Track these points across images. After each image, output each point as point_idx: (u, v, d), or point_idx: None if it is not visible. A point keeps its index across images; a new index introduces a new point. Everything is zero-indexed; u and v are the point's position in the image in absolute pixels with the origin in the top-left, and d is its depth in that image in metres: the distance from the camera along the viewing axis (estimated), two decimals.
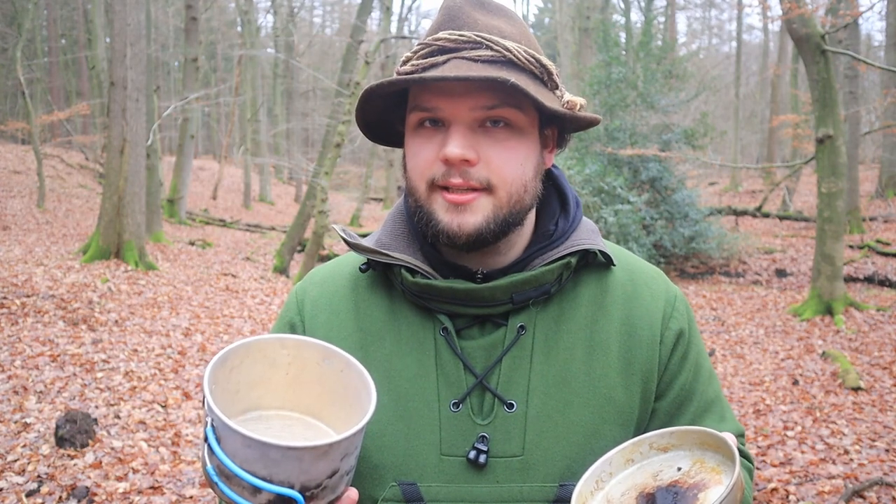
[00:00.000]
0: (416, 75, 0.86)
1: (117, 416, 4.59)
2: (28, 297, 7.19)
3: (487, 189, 0.88)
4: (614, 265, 0.99)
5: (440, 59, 0.88)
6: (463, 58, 0.87)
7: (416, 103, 0.90)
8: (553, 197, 1.02)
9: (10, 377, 5.04)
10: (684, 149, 12.59)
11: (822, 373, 6.09)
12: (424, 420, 0.91)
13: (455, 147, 0.86)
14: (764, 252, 13.51)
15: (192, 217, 18.17)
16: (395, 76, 0.89)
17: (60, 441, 4.01)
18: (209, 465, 0.73)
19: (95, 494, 3.57)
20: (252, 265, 12.22)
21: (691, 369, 0.98)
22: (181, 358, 5.97)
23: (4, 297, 7.03)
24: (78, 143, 22.77)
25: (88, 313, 6.94)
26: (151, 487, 3.71)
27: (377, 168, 27.87)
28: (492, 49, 0.87)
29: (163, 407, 4.86)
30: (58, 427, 4.06)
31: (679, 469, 0.82)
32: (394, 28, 25.46)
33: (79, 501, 3.49)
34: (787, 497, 3.78)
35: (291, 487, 0.72)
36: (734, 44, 36.04)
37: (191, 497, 3.64)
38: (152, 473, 3.85)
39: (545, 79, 0.91)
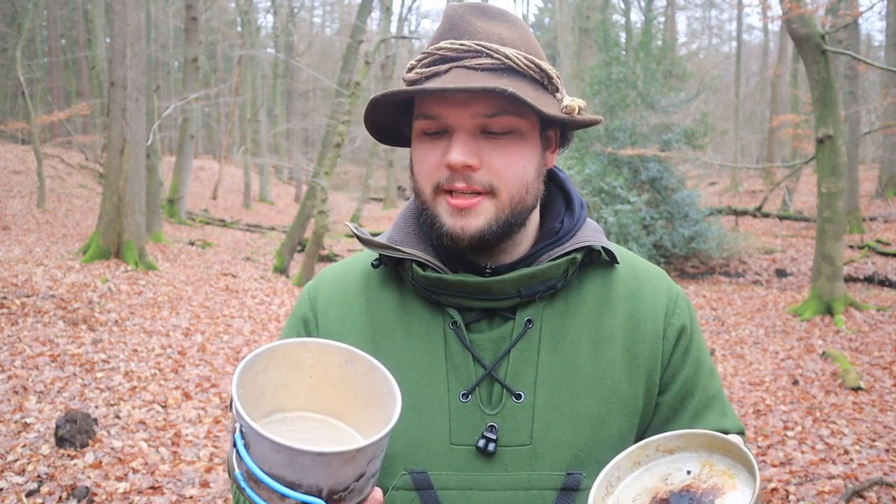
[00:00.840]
0: (417, 86, 0.89)
1: (117, 416, 4.59)
2: (28, 297, 7.19)
3: (490, 192, 0.91)
4: (618, 263, 1.02)
5: (442, 67, 0.92)
6: (464, 66, 0.91)
7: (420, 111, 0.94)
8: (558, 197, 1.05)
9: (10, 377, 5.04)
10: (684, 149, 12.59)
11: (822, 373, 6.09)
12: (434, 410, 0.94)
13: (458, 154, 0.89)
14: (764, 252, 13.50)
15: (192, 217, 18.17)
16: (401, 83, 0.94)
17: (60, 441, 4.01)
18: (237, 471, 0.74)
19: (95, 494, 3.57)
20: (252, 265, 12.22)
21: (693, 365, 1.01)
22: (181, 358, 5.97)
23: (4, 297, 7.03)
24: (78, 143, 22.74)
25: (88, 313, 6.94)
26: (151, 487, 3.71)
27: (377, 168, 27.85)
28: (492, 57, 0.91)
29: (163, 407, 4.86)
30: (58, 427, 4.06)
31: (689, 472, 0.82)
32: (394, 28, 25.46)
33: (79, 501, 3.49)
34: (787, 497, 3.79)
35: (319, 492, 0.73)
36: (734, 44, 36.06)
37: (191, 497, 3.64)
38: (152, 473, 3.85)
39: (545, 83, 0.95)
